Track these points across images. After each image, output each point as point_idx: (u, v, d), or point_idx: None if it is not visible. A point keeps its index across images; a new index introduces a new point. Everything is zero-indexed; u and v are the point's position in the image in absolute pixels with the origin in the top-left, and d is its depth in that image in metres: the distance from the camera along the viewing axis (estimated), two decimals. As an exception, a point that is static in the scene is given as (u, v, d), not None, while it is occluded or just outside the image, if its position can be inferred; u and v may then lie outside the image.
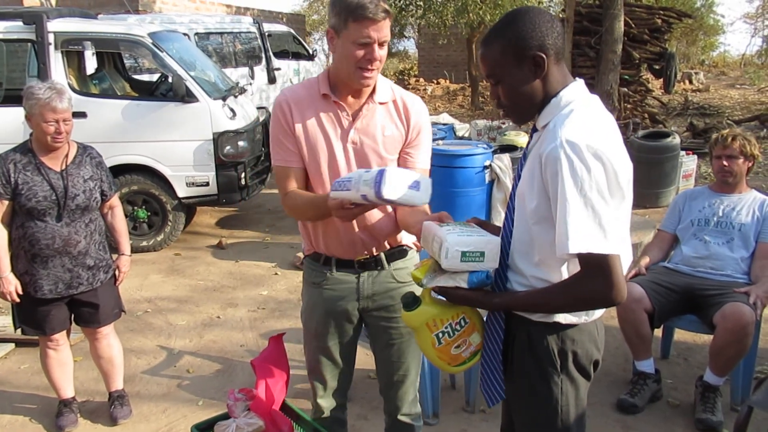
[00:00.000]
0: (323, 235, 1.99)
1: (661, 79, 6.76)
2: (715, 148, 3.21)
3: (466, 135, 7.35)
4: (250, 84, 8.39)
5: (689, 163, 6.55)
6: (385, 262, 2.02)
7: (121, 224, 3.06)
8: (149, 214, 5.51)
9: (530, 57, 1.48)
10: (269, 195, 7.12)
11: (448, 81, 17.75)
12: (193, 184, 5.40)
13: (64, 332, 2.98)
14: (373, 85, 1.87)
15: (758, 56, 27.31)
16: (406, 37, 26.47)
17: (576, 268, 1.47)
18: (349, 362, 2.18)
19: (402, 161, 1.96)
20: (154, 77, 7.84)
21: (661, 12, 7.42)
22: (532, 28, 1.47)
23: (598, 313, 1.62)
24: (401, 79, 18.97)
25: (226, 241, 5.78)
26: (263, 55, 9.59)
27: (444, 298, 1.63)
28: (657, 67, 6.76)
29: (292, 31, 11.54)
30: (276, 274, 5.03)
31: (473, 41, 14.26)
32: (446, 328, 1.62)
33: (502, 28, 1.52)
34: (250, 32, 9.69)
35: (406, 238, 2.07)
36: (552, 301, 1.51)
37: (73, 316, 2.97)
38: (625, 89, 6.59)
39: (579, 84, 1.55)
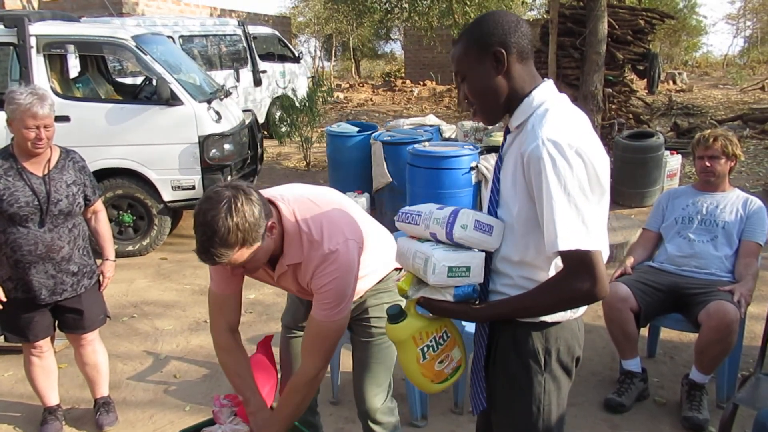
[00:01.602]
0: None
1: (645, 80, 6.81)
2: (698, 148, 3.24)
3: (453, 136, 7.36)
4: (236, 87, 8.36)
5: (674, 162, 6.60)
6: None
7: (105, 229, 3.03)
8: (134, 218, 5.46)
9: (491, 53, 1.52)
10: (256, 198, 7.08)
11: (434, 82, 17.78)
12: (178, 187, 5.36)
13: (48, 339, 2.94)
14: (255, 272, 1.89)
15: (740, 56, 27.66)
16: (392, 40, 26.56)
17: (561, 266, 1.48)
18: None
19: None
20: (139, 80, 7.82)
21: (644, 13, 7.48)
22: (494, 26, 1.53)
23: (582, 310, 1.63)
24: (388, 81, 18.99)
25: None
26: (249, 58, 9.57)
27: (427, 312, 1.62)
28: (641, 67, 6.82)
29: (277, 33, 11.52)
30: (263, 277, 5.00)
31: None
32: (431, 341, 1.62)
33: (468, 27, 1.58)
34: (235, 35, 9.67)
35: (378, 276, 2.14)
36: (539, 302, 1.51)
37: (57, 322, 2.94)
38: (610, 90, 6.63)
39: (549, 84, 1.58)
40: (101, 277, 3.00)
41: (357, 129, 6.54)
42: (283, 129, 8.48)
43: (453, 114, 13.33)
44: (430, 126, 6.65)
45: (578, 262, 1.42)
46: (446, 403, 3.11)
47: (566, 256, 1.43)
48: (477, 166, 4.95)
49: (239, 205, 1.62)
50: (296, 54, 11.40)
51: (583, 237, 1.40)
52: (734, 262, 3.11)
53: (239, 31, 9.61)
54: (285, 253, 1.83)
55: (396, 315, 1.61)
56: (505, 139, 1.65)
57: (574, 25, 6.97)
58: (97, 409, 3.07)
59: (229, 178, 5.44)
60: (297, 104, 8.16)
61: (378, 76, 23.36)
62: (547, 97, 1.54)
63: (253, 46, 9.68)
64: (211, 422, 2.08)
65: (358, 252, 1.84)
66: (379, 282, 2.10)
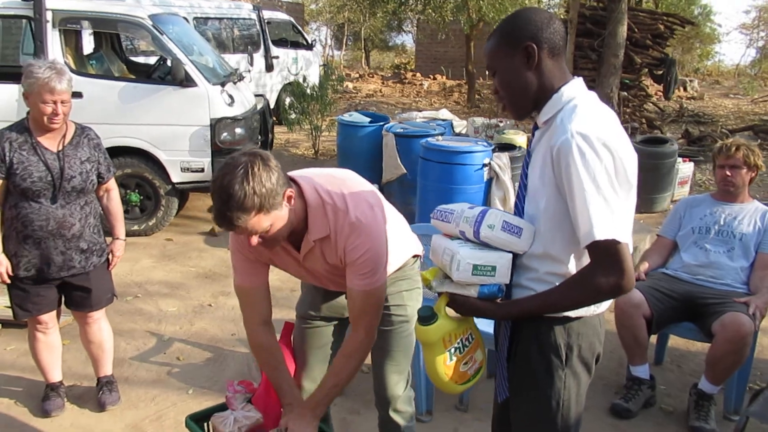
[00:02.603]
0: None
1: (661, 85, 6.75)
2: (719, 157, 3.20)
3: (464, 132, 7.32)
4: (249, 71, 8.30)
5: (685, 170, 6.56)
6: None
7: (116, 208, 3.01)
8: (142, 198, 5.43)
9: (522, 47, 1.53)
10: (263, 184, 7.05)
11: (444, 77, 17.70)
12: (188, 169, 5.32)
13: (54, 315, 2.92)
14: (276, 246, 1.85)
15: (751, 67, 27.54)
16: (405, 32, 26.43)
17: (586, 260, 1.49)
18: (329, 349, 2.19)
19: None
20: (151, 60, 7.77)
21: (665, 18, 7.41)
22: (527, 21, 1.55)
23: (605, 305, 1.62)
24: (398, 73, 18.90)
25: (218, 229, 5.71)
26: (262, 43, 9.50)
27: (453, 310, 1.63)
28: (657, 72, 6.76)
29: (291, 19, 11.45)
30: (269, 264, 4.97)
31: (472, 38, 14.22)
32: (458, 343, 1.64)
33: (501, 23, 1.60)
34: (249, 19, 9.61)
35: (402, 259, 2.11)
36: (565, 297, 1.52)
37: (63, 299, 2.91)
38: (625, 93, 6.57)
39: (579, 81, 1.59)
40: (110, 256, 2.97)
41: (368, 120, 6.50)
42: (293, 116, 8.43)
43: (462, 109, 13.26)
44: (443, 120, 6.60)
45: (608, 254, 1.43)
46: (451, 399, 3.09)
47: (597, 247, 1.43)
48: (490, 163, 4.91)
49: (256, 170, 1.62)
50: (309, 41, 11.34)
51: (616, 228, 1.42)
52: (749, 274, 3.08)
53: (254, 16, 9.54)
54: (310, 228, 1.81)
55: (428, 317, 1.62)
56: (533, 135, 1.66)
57: (593, 26, 6.91)
58: (99, 388, 3.05)
59: (239, 162, 5.39)
60: (308, 92, 8.10)
61: (388, 67, 23.24)
62: (577, 94, 1.55)
63: (267, 31, 9.61)
64: (221, 407, 2.06)
65: (383, 217, 1.86)
66: (397, 270, 2.07)
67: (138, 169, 5.30)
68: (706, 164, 8.29)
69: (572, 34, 6.43)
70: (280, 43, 10.55)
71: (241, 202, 1.60)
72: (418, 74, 18.10)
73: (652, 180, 6.06)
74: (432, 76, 17.60)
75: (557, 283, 1.54)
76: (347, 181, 1.90)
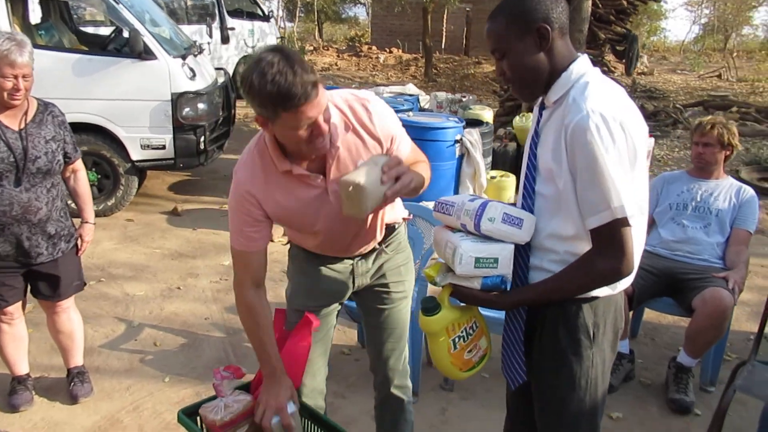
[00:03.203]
0: (314, 248, 1.95)
1: (622, 61, 6.83)
2: (695, 134, 3.24)
3: (427, 107, 7.25)
4: (209, 43, 8.01)
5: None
6: (378, 247, 2.00)
7: (84, 189, 2.83)
8: (99, 176, 5.19)
9: (534, 29, 1.50)
10: (225, 161, 6.81)
11: (401, 50, 17.55)
12: (148, 146, 5.11)
13: (20, 305, 2.75)
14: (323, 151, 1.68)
15: (694, 43, 28.34)
16: (360, 4, 26.03)
17: None
18: (328, 339, 2.13)
19: None
20: (101, 31, 7.40)
21: (628, -6, 7.47)
22: (537, 1, 1.49)
23: (626, 282, 1.61)
24: (353, 46, 18.63)
25: (181, 208, 5.53)
26: (216, 13, 9.17)
27: (458, 301, 1.64)
28: (619, 48, 6.83)
29: (247, -11, 11.08)
30: (237, 244, 4.83)
31: (429, 11, 14.09)
32: (462, 332, 1.65)
33: (507, 3, 1.53)
34: (203, -12, 9.24)
35: (397, 214, 2.03)
36: (566, 283, 1.53)
37: (30, 288, 2.74)
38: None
39: (585, 58, 1.57)
40: (79, 241, 2.81)
41: (333, 94, 6.34)
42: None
43: (420, 84, 13.19)
44: (410, 95, 6.51)
45: (610, 238, 1.44)
46: (436, 379, 3.07)
47: (599, 230, 1.44)
48: (461, 139, 4.87)
49: (296, 55, 1.55)
50: (266, 12, 11.01)
51: (624, 208, 1.42)
52: (725, 249, 3.14)
53: (207, -15, 9.19)
54: (332, 131, 1.69)
55: (431, 308, 1.63)
56: (540, 114, 1.62)
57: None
58: (71, 380, 2.91)
59: (202, 139, 5.21)
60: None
61: (341, 40, 22.88)
62: (585, 70, 1.53)
63: (222, 2, 9.27)
64: (212, 399, 1.96)
65: None
66: (392, 235, 2.02)
67: (95, 147, 5.05)
68: (663, 139, 8.49)
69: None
70: (236, 14, 10.21)
71: (303, 63, 1.51)
72: (374, 47, 17.89)
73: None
74: (388, 50, 17.43)
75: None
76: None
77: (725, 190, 3.20)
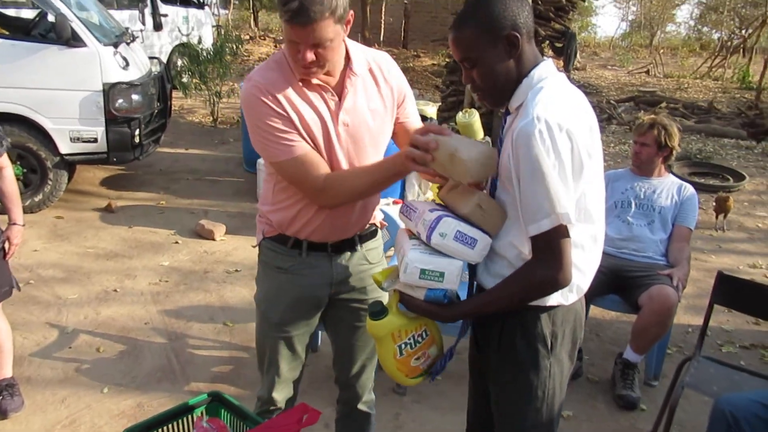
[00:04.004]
0: (311, 217, 1.78)
1: (561, 58, 6.98)
2: (635, 132, 3.32)
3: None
4: (142, 30, 7.65)
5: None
6: (357, 243, 1.90)
7: (12, 188, 2.63)
8: (25, 171, 4.87)
9: (504, 37, 1.47)
10: (161, 154, 6.58)
11: (339, 41, 17.37)
12: (78, 139, 4.83)
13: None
14: (315, 78, 1.66)
15: (622, 39, 29.41)
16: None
17: None
18: (306, 351, 2.02)
19: (399, 128, 1.86)
20: (21, 14, 6.97)
21: (567, -9, 7.60)
22: (504, 8, 1.47)
23: (584, 289, 1.60)
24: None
25: (115, 204, 5.26)
26: (148, -1, 8.79)
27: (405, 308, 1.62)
28: (558, 45, 6.97)
29: (180, -26, 10.66)
30: (176, 242, 4.64)
31: (368, 2, 14.01)
32: (409, 339, 1.63)
33: (473, 10, 1.50)
34: (134, -29, 8.82)
35: (377, 216, 1.98)
36: (505, 294, 1.51)
37: (-49, 295, 2.53)
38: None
39: (549, 62, 1.55)
40: (6, 244, 2.61)
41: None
42: (185, 79, 7.89)
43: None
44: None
45: (548, 247, 1.43)
46: (388, 383, 3.00)
47: (538, 239, 1.42)
48: (407, 135, 4.82)
49: None
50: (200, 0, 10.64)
51: (561, 217, 1.40)
52: (667, 245, 3.22)
53: (139, -32, 8.77)
54: (353, 58, 1.71)
55: (377, 312, 1.62)
56: (505, 120, 1.59)
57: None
58: (-1, 393, 2.70)
59: (137, 132, 4.97)
60: (204, 55, 7.60)
61: (277, 29, 22.45)
62: (545, 75, 1.51)
63: (154, -14, 8.89)
64: (164, 417, 1.83)
65: None
66: (374, 239, 1.97)
67: (20, 139, 4.73)
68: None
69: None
70: (168, 0, 9.82)
71: (331, 3, 1.50)
72: (312, 37, 17.62)
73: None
74: (327, 40, 17.20)
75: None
76: None
77: (667, 187, 3.28)
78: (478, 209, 1.50)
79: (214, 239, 4.69)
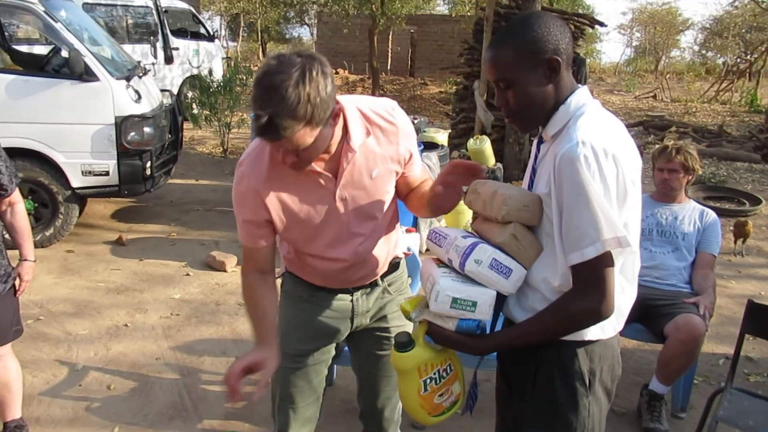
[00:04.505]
0: (313, 273, 1.79)
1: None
2: (658, 160, 3.25)
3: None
4: (154, 64, 7.73)
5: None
6: (379, 279, 1.86)
7: (23, 224, 2.59)
8: (36, 205, 4.85)
9: (545, 60, 1.43)
10: (172, 186, 6.57)
11: (347, 71, 17.54)
12: (90, 173, 4.82)
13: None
14: (306, 168, 1.57)
15: (626, 65, 29.59)
16: (306, 24, 25.98)
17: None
18: (323, 386, 1.95)
19: (401, 181, 1.77)
20: (35, 49, 7.05)
21: (575, 18, 7.64)
22: (547, 31, 1.43)
23: (617, 324, 1.53)
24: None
25: (126, 237, 5.23)
26: (160, 33, 8.90)
27: (432, 340, 1.55)
28: (568, 71, 6.98)
29: (192, 9, 10.83)
30: (188, 274, 4.59)
31: (375, 33, 14.14)
32: (435, 374, 1.57)
33: (514, 31, 1.45)
34: (145, 6, 8.97)
35: (399, 249, 1.92)
36: (541, 327, 1.45)
37: (-40, 334, 2.47)
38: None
39: (584, 90, 1.51)
40: (17, 281, 2.56)
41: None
42: (195, 111, 7.95)
43: (368, 105, 13.15)
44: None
45: (590, 276, 1.37)
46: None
47: (579, 268, 1.37)
48: (419, 164, 4.79)
49: (314, 74, 1.40)
50: (211, 32, 10.77)
51: (606, 244, 1.34)
52: (691, 273, 3.14)
53: (150, 3, 8.90)
54: (351, 133, 1.59)
55: (404, 343, 1.54)
56: (537, 149, 1.56)
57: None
58: (7, 434, 2.63)
59: (148, 164, 4.96)
60: (215, 86, 7.65)
61: (286, 60, 22.71)
62: (584, 102, 1.47)
63: (165, 21, 9.01)
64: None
65: None
66: (395, 272, 1.92)
67: (31, 173, 4.73)
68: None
69: (488, 32, 6.45)
70: (180, 33, 9.96)
71: (293, 108, 1.38)
72: (320, 68, 17.80)
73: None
74: (335, 71, 17.37)
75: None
76: None
77: (689, 213, 3.21)
78: (514, 239, 1.44)
79: (225, 270, 4.63)
